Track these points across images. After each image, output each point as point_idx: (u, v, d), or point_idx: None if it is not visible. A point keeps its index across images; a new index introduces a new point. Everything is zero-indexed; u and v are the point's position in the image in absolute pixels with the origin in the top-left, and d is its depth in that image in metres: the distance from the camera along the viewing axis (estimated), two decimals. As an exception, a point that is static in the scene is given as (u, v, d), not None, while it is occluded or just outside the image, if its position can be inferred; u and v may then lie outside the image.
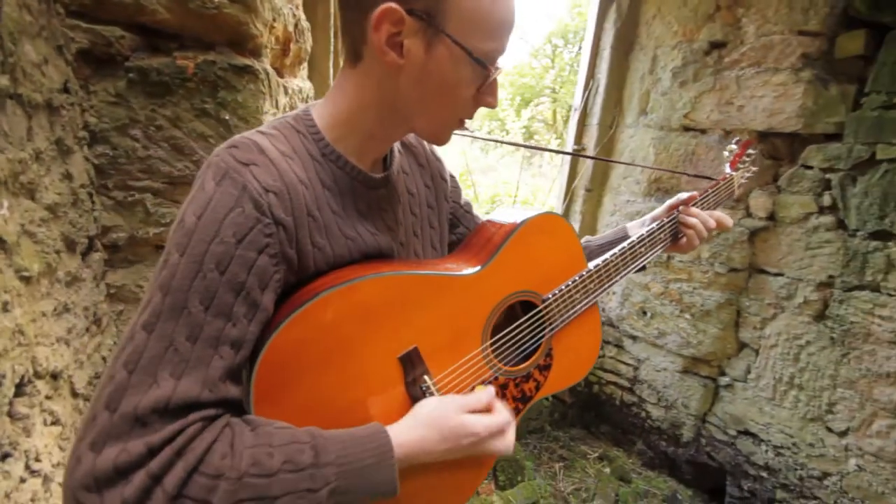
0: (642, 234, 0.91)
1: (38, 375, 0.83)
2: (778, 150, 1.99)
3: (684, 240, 0.96)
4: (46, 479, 0.84)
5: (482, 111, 1.03)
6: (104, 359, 1.17)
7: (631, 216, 2.52)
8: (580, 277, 0.79)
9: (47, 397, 0.86)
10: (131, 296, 1.31)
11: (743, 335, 2.18)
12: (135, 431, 0.44)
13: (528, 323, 0.75)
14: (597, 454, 2.63)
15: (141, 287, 1.31)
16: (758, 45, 1.95)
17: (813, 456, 1.96)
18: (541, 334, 0.76)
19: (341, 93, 0.61)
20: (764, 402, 2.11)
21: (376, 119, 0.61)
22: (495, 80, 0.59)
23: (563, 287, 0.77)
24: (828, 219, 1.84)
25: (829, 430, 1.91)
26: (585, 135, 2.70)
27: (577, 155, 2.72)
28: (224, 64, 1.22)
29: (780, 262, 2.00)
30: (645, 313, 2.51)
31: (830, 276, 1.85)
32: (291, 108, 1.63)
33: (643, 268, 0.94)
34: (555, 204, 3.07)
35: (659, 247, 0.95)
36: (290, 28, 1.52)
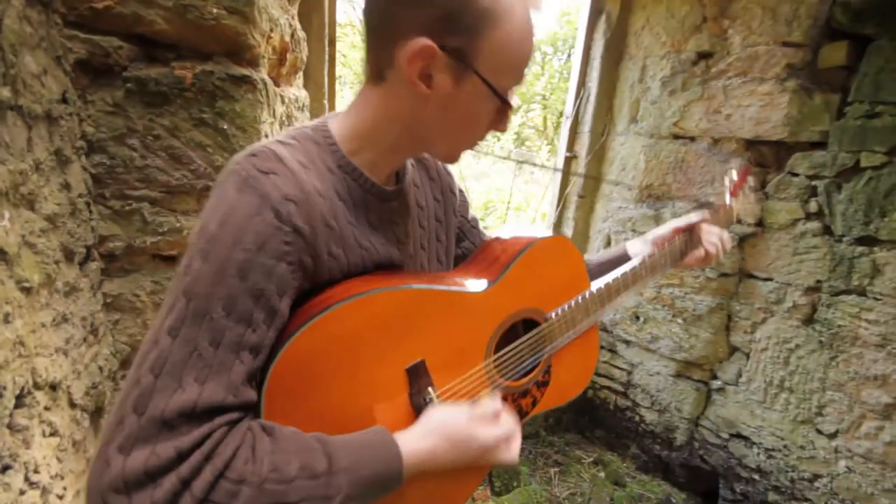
0: (644, 259, 0.92)
1: (37, 386, 0.82)
2: (765, 157, 2.03)
3: (702, 253, 0.99)
4: (45, 491, 0.83)
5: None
6: (101, 369, 1.16)
7: (623, 222, 2.56)
8: (582, 298, 0.80)
9: (46, 408, 0.85)
10: (128, 305, 1.30)
11: (734, 339, 2.21)
12: (162, 435, 0.45)
13: (531, 340, 0.76)
14: (591, 459, 2.64)
15: (138, 296, 1.30)
16: (744, 56, 2.00)
17: (803, 458, 1.99)
18: (541, 352, 0.78)
19: (361, 108, 0.63)
20: (755, 405, 2.14)
21: (394, 137, 0.62)
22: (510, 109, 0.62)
23: (566, 307, 0.79)
24: (814, 225, 1.89)
25: (819, 432, 1.94)
26: (577, 142, 2.74)
27: (566, 172, 2.76)
28: (222, 74, 1.23)
29: (769, 267, 2.04)
30: (638, 318, 2.54)
31: (818, 281, 1.89)
32: (288, 116, 1.64)
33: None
34: (547, 210, 3.10)
35: (661, 271, 0.97)
36: (287, 38, 1.54)
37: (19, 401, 0.77)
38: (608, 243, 2.68)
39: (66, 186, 1.01)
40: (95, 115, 1.16)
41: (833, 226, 1.83)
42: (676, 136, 2.28)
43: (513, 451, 0.64)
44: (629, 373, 2.64)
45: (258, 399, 0.53)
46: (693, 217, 1.02)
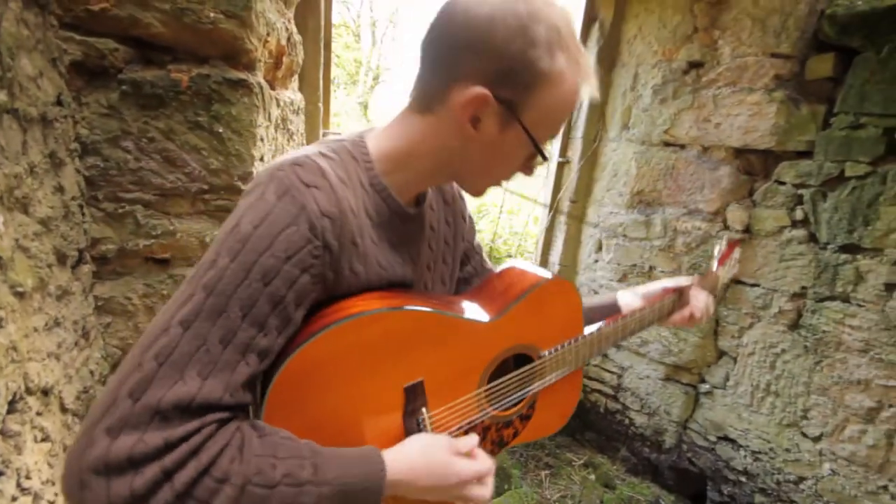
0: (635, 312, 0.97)
1: (29, 392, 0.82)
2: (753, 166, 2.07)
3: (688, 313, 1.06)
4: (37, 497, 0.83)
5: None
6: (92, 373, 1.15)
7: (614, 227, 2.58)
8: (575, 341, 0.84)
9: (38, 414, 0.85)
10: (119, 308, 1.29)
11: (722, 344, 2.24)
12: (154, 424, 0.45)
13: (523, 374, 0.79)
14: (582, 461, 2.66)
15: (130, 299, 1.30)
16: (733, 66, 2.04)
17: (789, 461, 2.03)
18: (530, 387, 0.80)
19: (402, 133, 0.65)
20: (742, 409, 2.17)
21: (429, 166, 0.65)
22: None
23: (559, 347, 0.81)
24: (800, 232, 1.93)
25: (804, 435, 1.98)
26: (570, 148, 2.76)
27: (558, 176, 2.79)
28: (219, 77, 1.23)
29: (756, 273, 2.08)
30: (628, 322, 2.57)
31: (803, 287, 1.93)
32: (283, 120, 1.64)
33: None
34: (539, 215, 3.12)
35: (648, 325, 1.03)
36: (283, 41, 1.54)
37: (11, 406, 0.76)
38: (599, 248, 2.71)
39: (60, 189, 1.00)
40: (90, 116, 1.16)
41: (818, 233, 1.87)
42: (667, 144, 2.31)
43: (486, 489, 0.66)
44: (619, 376, 2.67)
45: (260, 402, 0.53)
46: (683, 280, 1.09)
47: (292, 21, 1.67)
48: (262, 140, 1.39)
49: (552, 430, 0.88)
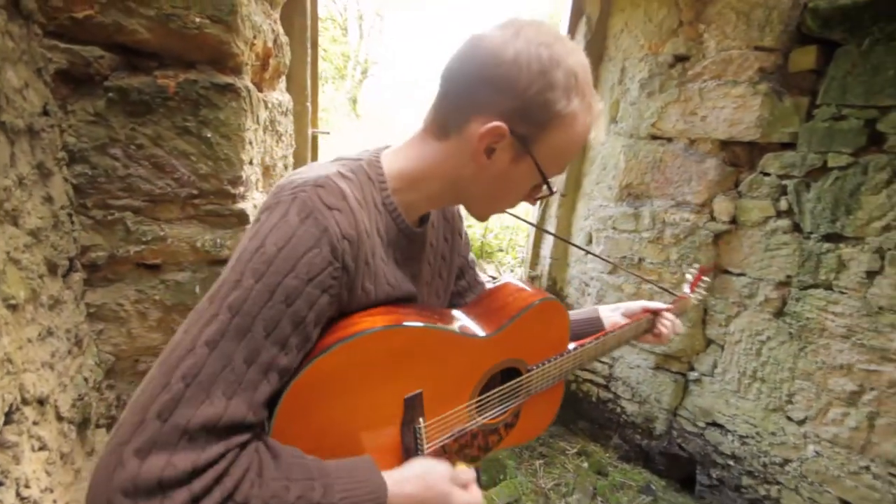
0: (615, 329, 1.03)
1: (25, 402, 0.83)
2: (738, 157, 2.10)
3: (657, 333, 1.13)
4: (38, 506, 0.84)
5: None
6: (86, 380, 1.16)
7: (604, 220, 2.61)
8: (560, 356, 0.89)
9: (35, 423, 0.86)
10: (111, 315, 1.30)
11: (710, 332, 2.29)
12: (181, 445, 0.46)
13: (511, 387, 0.83)
14: (575, 450, 2.71)
15: (122, 305, 1.30)
16: (718, 59, 2.06)
17: (775, 444, 2.08)
18: (517, 398, 0.84)
19: (417, 155, 0.67)
20: (730, 395, 2.23)
21: (439, 189, 0.68)
22: None
23: (546, 363, 0.86)
24: (785, 222, 1.96)
25: (789, 419, 2.03)
26: (559, 141, 2.78)
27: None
28: (206, 83, 1.23)
29: (742, 262, 2.12)
30: (618, 313, 2.61)
31: (788, 276, 1.97)
32: (272, 122, 1.64)
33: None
34: (530, 209, 3.14)
35: (625, 343, 1.10)
36: (270, 43, 1.53)
37: (8, 417, 0.77)
38: (589, 240, 2.74)
39: (49, 199, 1.00)
40: (76, 125, 1.15)
41: (802, 223, 1.91)
42: (654, 137, 2.34)
43: None
44: (611, 366, 2.72)
45: (271, 414, 0.55)
46: (660, 305, 1.18)
47: (278, 22, 1.66)
48: (250, 143, 1.39)
49: (532, 437, 0.94)
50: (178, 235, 1.31)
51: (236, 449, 0.50)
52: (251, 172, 1.43)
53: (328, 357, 0.57)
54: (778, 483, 2.09)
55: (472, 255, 0.99)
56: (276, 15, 1.65)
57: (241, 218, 1.38)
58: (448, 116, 0.64)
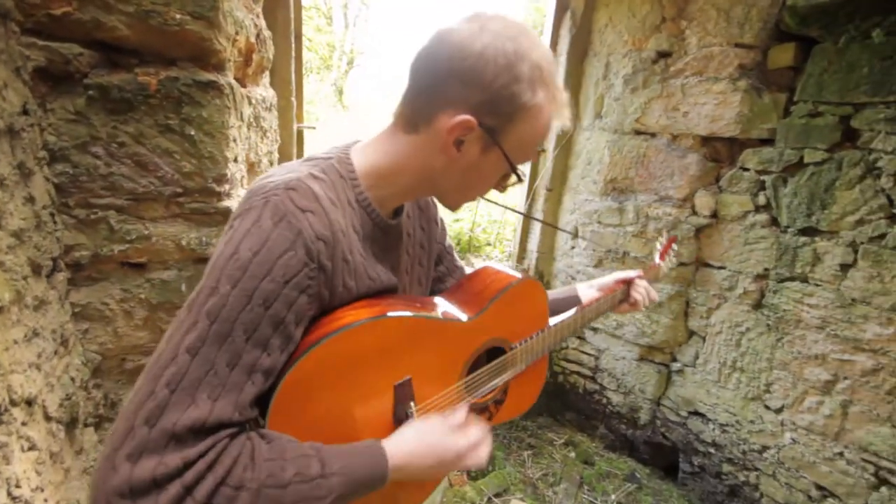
0: (591, 302, 1.09)
1: (13, 403, 0.83)
2: (719, 153, 2.14)
3: (632, 301, 1.21)
4: (27, 505, 0.85)
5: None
6: (73, 379, 1.16)
7: (589, 214, 2.65)
8: (541, 333, 0.92)
9: (23, 424, 0.86)
10: (96, 314, 1.29)
11: (691, 324, 2.35)
12: (170, 446, 0.48)
13: (497, 365, 0.85)
14: (563, 440, 2.77)
15: (107, 304, 1.30)
16: (700, 56, 2.09)
17: (753, 432, 2.15)
18: (503, 375, 0.87)
19: (387, 150, 0.68)
20: (710, 385, 2.29)
21: (412, 182, 0.69)
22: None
23: (528, 339, 0.89)
24: (763, 216, 2.01)
25: (767, 407, 2.10)
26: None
27: (534, 165, 2.82)
28: (188, 80, 1.22)
29: (722, 256, 2.17)
30: (603, 306, 2.65)
31: (766, 269, 2.02)
32: (256, 118, 1.64)
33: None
34: (517, 202, 3.16)
35: (602, 314, 1.16)
36: (252, 39, 1.52)
37: (-4, 419, 0.78)
38: (576, 234, 2.77)
39: (31, 199, 1.00)
40: (56, 123, 1.14)
41: (779, 217, 1.96)
42: (638, 132, 2.37)
43: (482, 455, 0.72)
44: (597, 358, 2.77)
45: (264, 412, 0.57)
46: (631, 273, 1.24)
47: (261, 16, 1.65)
48: (234, 141, 1.39)
49: (522, 411, 0.98)
50: (162, 234, 1.31)
51: (226, 439, 0.51)
52: (236, 170, 1.43)
53: (315, 353, 0.58)
54: (756, 469, 2.16)
55: (448, 241, 1.01)
56: (259, 9, 1.63)
57: (227, 216, 1.38)
58: (417, 110, 0.65)
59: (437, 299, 0.84)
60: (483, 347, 0.82)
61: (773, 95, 1.94)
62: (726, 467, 2.27)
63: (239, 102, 1.41)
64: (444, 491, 2.21)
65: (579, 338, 2.83)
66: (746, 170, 2.04)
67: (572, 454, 2.65)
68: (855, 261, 1.77)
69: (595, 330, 2.73)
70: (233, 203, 1.40)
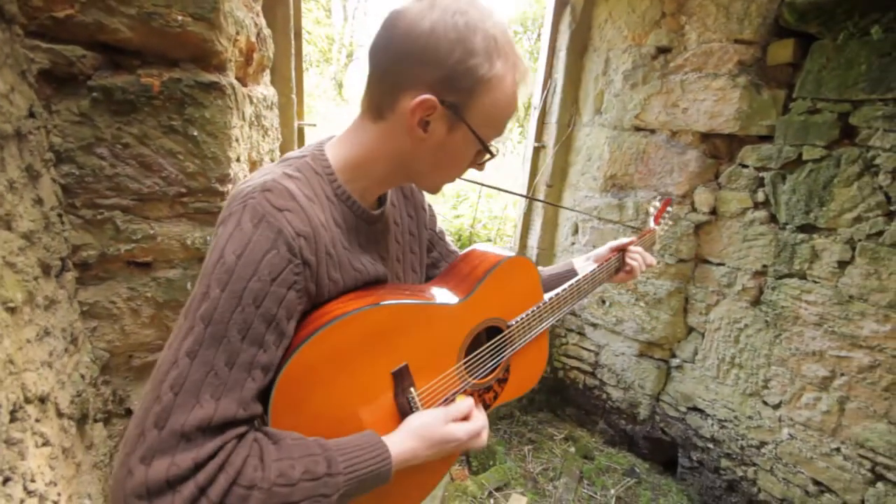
0: (587, 274, 1.08)
1: (27, 401, 0.85)
2: (718, 149, 2.15)
3: (628, 269, 1.18)
4: (42, 498, 0.87)
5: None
6: (83, 376, 1.18)
7: (589, 211, 2.66)
8: (537, 308, 0.92)
9: (37, 420, 0.89)
10: (104, 312, 1.32)
11: (690, 320, 2.36)
12: (181, 447, 0.50)
13: (495, 344, 0.86)
14: (563, 435, 2.80)
15: (114, 303, 1.32)
16: (699, 52, 2.09)
17: (752, 427, 2.17)
18: (503, 354, 0.88)
19: (358, 141, 0.69)
20: (709, 381, 2.31)
21: (387, 169, 0.69)
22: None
23: (524, 315, 0.90)
24: (762, 213, 2.03)
25: (765, 403, 2.12)
26: (545, 133, 2.81)
27: (534, 161, 2.83)
28: (190, 81, 1.24)
29: (721, 252, 2.18)
30: (604, 302, 2.67)
31: (764, 266, 2.04)
32: (257, 116, 1.65)
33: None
34: (518, 200, 3.17)
35: (598, 284, 1.14)
36: (253, 38, 1.54)
37: (13, 416, 0.80)
38: (575, 231, 2.79)
39: (39, 201, 1.02)
40: (61, 125, 1.16)
41: (778, 214, 1.97)
42: (638, 128, 2.38)
43: (482, 440, 0.75)
44: (597, 354, 2.79)
45: (266, 407, 0.59)
46: (624, 240, 1.22)
47: (261, 14, 1.66)
48: (237, 140, 1.41)
49: (528, 388, 0.98)
50: (167, 233, 1.33)
51: (234, 441, 0.54)
52: (238, 169, 1.45)
53: (307, 348, 0.60)
54: (754, 465, 2.19)
55: (440, 227, 1.01)
56: (258, 7, 1.64)
57: (230, 215, 1.39)
58: (380, 97, 0.65)
59: (427, 285, 0.86)
60: (479, 328, 0.83)
61: (772, 92, 1.94)
62: (725, 462, 2.29)
63: (240, 102, 1.42)
64: (446, 485, 2.24)
65: (579, 334, 2.85)
66: (745, 166, 2.05)
67: (572, 449, 2.68)
68: (853, 258, 1.78)
69: (595, 326, 2.76)
70: (236, 202, 1.41)
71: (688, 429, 2.43)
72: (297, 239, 0.58)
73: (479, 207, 3.55)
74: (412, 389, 0.72)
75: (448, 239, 1.03)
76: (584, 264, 1.19)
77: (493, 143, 0.69)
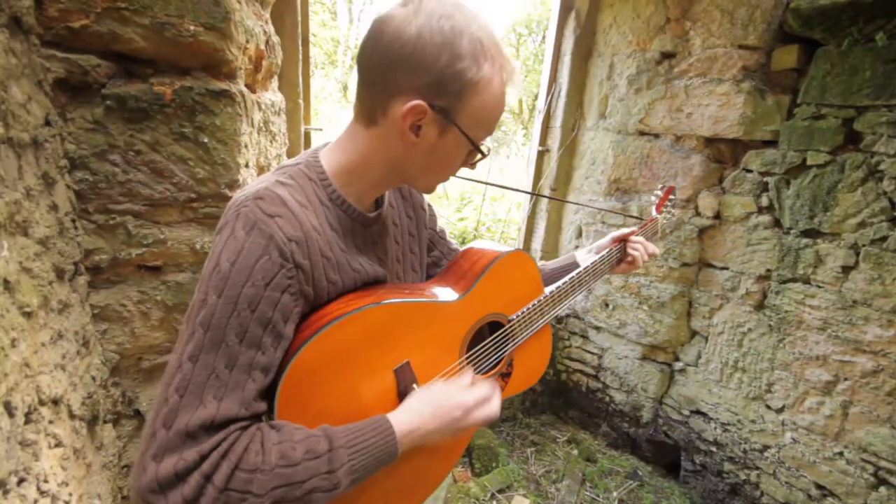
0: (587, 266, 1.08)
1: (41, 403, 0.88)
2: (723, 154, 2.16)
3: (630, 259, 1.16)
4: (55, 498, 0.90)
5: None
6: (94, 378, 1.21)
7: (593, 214, 2.67)
8: (538, 301, 0.93)
9: (50, 422, 0.91)
10: (115, 315, 1.34)
11: (694, 324, 2.37)
12: (187, 444, 0.54)
13: (497, 339, 0.87)
14: (565, 438, 2.80)
15: (125, 306, 1.35)
16: (703, 57, 2.10)
17: (755, 431, 2.18)
18: (506, 348, 0.89)
19: (351, 147, 0.71)
20: (712, 384, 2.31)
21: (381, 173, 0.71)
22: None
23: (525, 309, 0.91)
24: (766, 218, 2.03)
25: (768, 407, 2.12)
26: (549, 136, 2.82)
27: (538, 165, 2.84)
28: (201, 89, 1.26)
29: (725, 257, 2.19)
30: (607, 305, 2.68)
31: (768, 270, 2.04)
32: (265, 122, 1.67)
33: (590, 290, 1.13)
34: (521, 202, 3.19)
35: (600, 275, 1.13)
36: (262, 46, 1.56)
37: (28, 417, 0.82)
38: (579, 234, 2.80)
39: (54, 207, 1.04)
40: (76, 132, 1.18)
41: (782, 219, 1.98)
42: (642, 133, 2.39)
43: (493, 407, 0.74)
44: (600, 357, 2.80)
45: (271, 406, 0.61)
46: (626, 230, 1.21)
47: (269, 22, 1.68)
48: (246, 147, 1.43)
49: (532, 382, 0.99)
50: (177, 238, 1.35)
51: (236, 432, 0.57)
52: (247, 175, 1.47)
53: (309, 349, 0.62)
54: (757, 468, 2.19)
55: (440, 226, 1.02)
56: (267, 15, 1.67)
57: (239, 220, 1.42)
58: (371, 103, 0.67)
59: (427, 283, 0.87)
60: (480, 323, 0.84)
61: (776, 97, 1.95)
62: (727, 466, 2.30)
63: (250, 109, 1.45)
64: (448, 487, 2.25)
65: (582, 337, 2.86)
66: (749, 171, 2.05)
67: (575, 451, 2.69)
68: (856, 263, 1.79)
69: (598, 329, 2.76)
70: (244, 207, 1.44)
71: (691, 432, 2.43)
72: (288, 244, 0.60)
73: (483, 210, 3.57)
74: (415, 385, 0.73)
75: (449, 238, 1.05)
76: (586, 257, 1.18)
77: (483, 143, 0.71)
